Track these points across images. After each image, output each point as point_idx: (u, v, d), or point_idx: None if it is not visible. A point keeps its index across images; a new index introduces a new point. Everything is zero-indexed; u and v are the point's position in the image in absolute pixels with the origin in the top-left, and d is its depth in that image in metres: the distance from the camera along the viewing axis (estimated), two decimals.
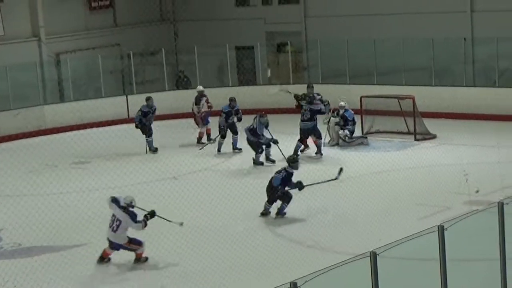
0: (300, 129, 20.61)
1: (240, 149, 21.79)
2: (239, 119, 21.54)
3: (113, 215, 14.24)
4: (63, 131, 25.58)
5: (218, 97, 25.51)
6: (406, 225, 13.37)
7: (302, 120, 21.12)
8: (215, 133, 23.41)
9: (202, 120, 23.34)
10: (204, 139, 23.52)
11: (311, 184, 17.43)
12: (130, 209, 14.34)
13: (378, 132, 22.77)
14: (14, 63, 26.23)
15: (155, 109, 22.43)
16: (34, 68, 27.31)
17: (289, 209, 16.72)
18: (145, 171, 20.49)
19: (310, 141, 21.35)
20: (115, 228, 14.38)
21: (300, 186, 16.53)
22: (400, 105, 21.85)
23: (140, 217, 14.29)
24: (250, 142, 20.13)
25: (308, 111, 21.02)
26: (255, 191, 17.40)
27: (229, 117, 21.68)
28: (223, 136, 21.81)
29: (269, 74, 30.25)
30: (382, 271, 7.95)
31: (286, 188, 16.64)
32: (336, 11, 27.74)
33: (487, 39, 25.16)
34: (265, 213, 16.63)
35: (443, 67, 25.86)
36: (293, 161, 16.80)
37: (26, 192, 18.88)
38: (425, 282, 9.17)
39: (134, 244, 14.42)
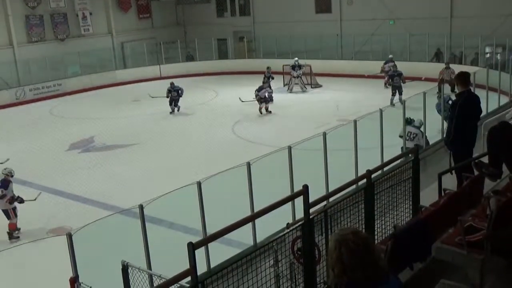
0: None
1: None
2: None
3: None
4: (124, 84, 27.04)
5: (208, 65, 27.73)
6: (308, 131, 12.48)
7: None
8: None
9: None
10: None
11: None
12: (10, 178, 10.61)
13: (288, 84, 23.64)
14: (98, 47, 27.84)
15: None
16: (110, 50, 28.90)
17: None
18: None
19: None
20: None
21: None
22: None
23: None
24: (396, 87, 18.87)
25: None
26: None
27: None
28: None
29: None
30: (295, 158, 7.88)
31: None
32: (270, 19, 28.82)
33: (349, 35, 26.40)
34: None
35: (326, 49, 26.42)
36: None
37: (108, 115, 20.56)
38: (319, 161, 8.65)
39: None
